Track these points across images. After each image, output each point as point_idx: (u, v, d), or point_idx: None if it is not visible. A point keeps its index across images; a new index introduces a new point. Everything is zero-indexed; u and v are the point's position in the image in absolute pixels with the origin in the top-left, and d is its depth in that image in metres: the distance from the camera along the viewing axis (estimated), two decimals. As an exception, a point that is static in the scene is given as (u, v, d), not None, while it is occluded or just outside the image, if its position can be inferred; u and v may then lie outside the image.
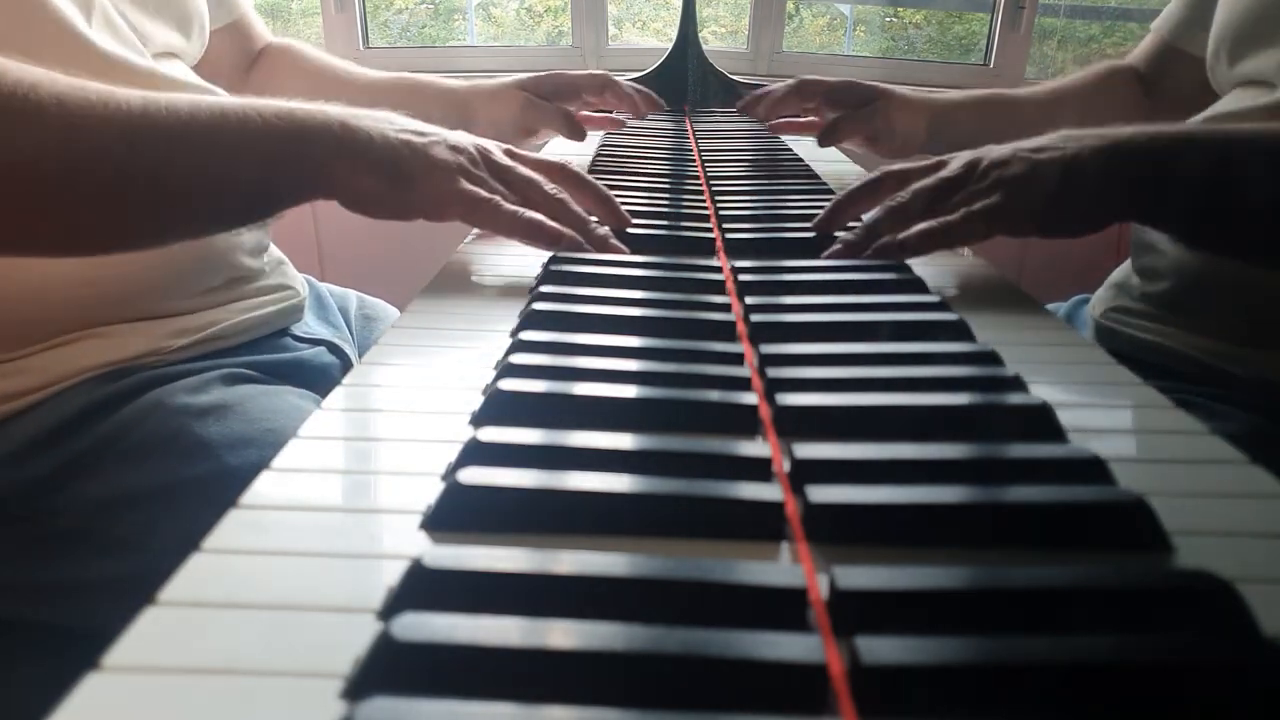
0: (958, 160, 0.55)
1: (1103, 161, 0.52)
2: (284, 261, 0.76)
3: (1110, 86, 0.88)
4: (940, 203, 0.54)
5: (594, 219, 0.58)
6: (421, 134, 0.54)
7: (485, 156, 0.56)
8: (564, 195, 0.57)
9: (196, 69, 0.77)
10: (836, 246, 0.55)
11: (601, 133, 1.02)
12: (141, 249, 0.52)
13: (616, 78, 0.92)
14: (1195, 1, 0.82)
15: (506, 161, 0.57)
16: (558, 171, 0.59)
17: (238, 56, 0.87)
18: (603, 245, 0.56)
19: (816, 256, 0.55)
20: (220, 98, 0.51)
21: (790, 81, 0.90)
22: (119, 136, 0.45)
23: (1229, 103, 0.69)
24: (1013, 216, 0.52)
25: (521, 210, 0.54)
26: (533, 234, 0.54)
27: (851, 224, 0.59)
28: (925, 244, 0.53)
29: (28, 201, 0.44)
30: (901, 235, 0.53)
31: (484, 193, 0.53)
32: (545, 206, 0.55)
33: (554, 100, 0.88)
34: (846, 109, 0.88)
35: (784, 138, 1.05)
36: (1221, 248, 0.57)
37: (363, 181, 0.51)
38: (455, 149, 0.54)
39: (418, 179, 0.52)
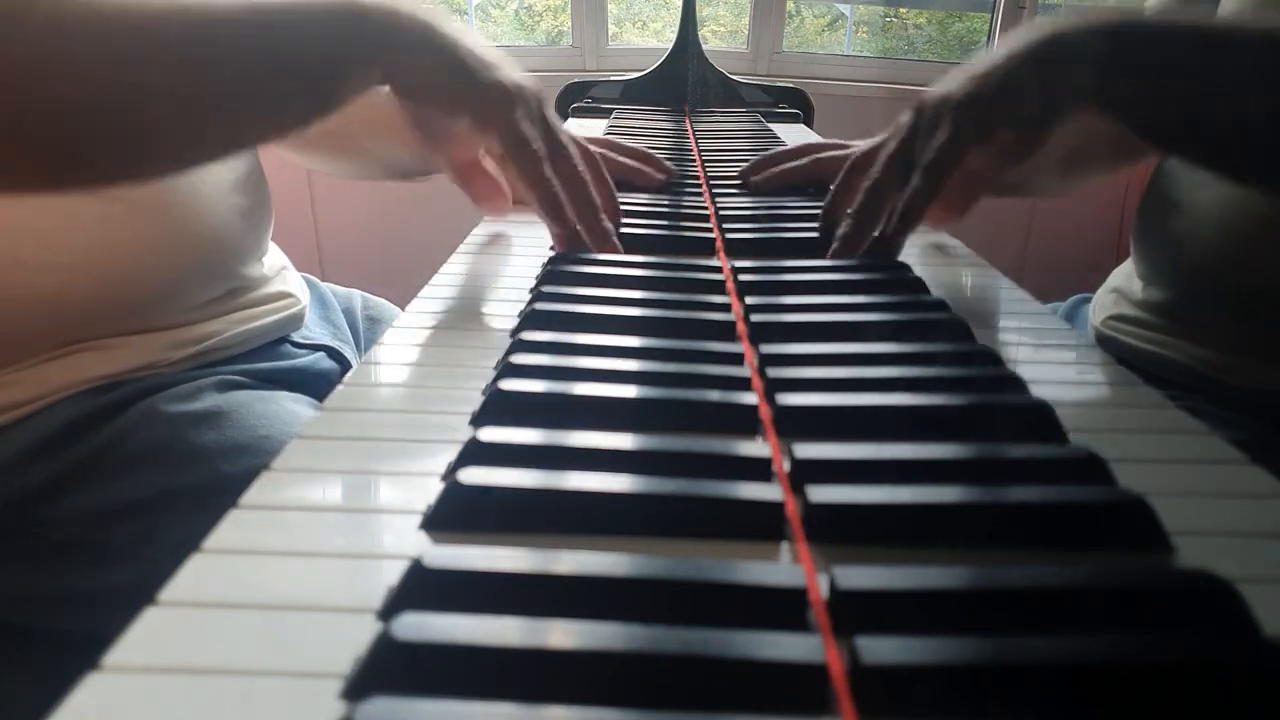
0: (903, 118, 0.54)
1: (1041, 54, 0.49)
2: (286, 267, 0.75)
3: None
4: (910, 158, 0.53)
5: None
6: (485, 52, 0.53)
7: (539, 104, 0.55)
8: (588, 176, 0.56)
9: None
10: (835, 245, 0.55)
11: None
12: (215, 158, 0.50)
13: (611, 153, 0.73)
14: None
15: (552, 118, 0.56)
16: (588, 154, 0.59)
17: None
18: (603, 242, 0.55)
19: (817, 256, 0.55)
20: None
21: (803, 161, 0.75)
22: (190, 34, 0.42)
23: None
24: (967, 139, 0.50)
25: (553, 180, 0.53)
26: (550, 209, 0.53)
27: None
28: (906, 221, 0.52)
29: (103, 119, 0.40)
30: (885, 228, 0.53)
31: (530, 137, 0.52)
32: (568, 178, 0.54)
33: None
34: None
35: (782, 134, 1.05)
36: (1205, 159, 0.53)
37: (424, 63, 0.50)
38: (517, 84, 0.53)
39: (479, 84, 0.51)
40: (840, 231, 0.55)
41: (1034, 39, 0.50)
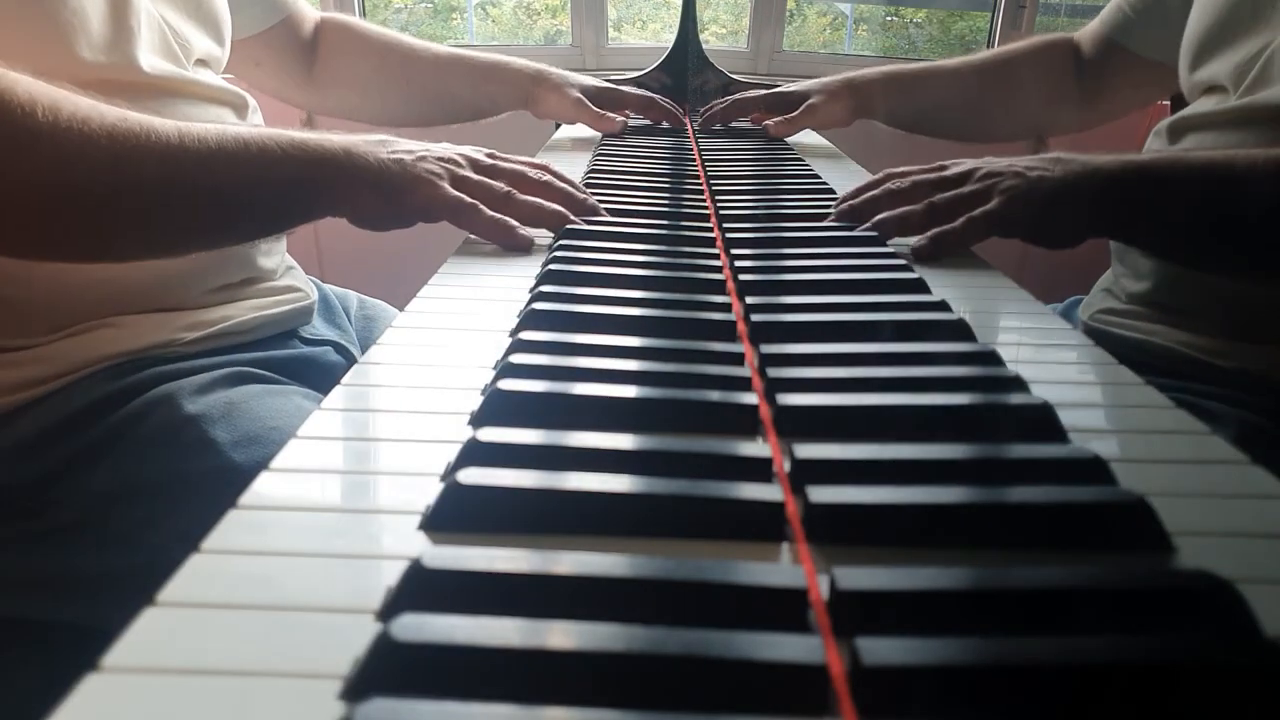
0: (958, 166, 0.62)
1: (1086, 185, 0.58)
2: (294, 266, 0.78)
3: (1042, 61, 0.92)
4: (936, 192, 0.61)
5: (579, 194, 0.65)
6: (410, 152, 0.60)
7: (472, 161, 0.63)
8: (548, 177, 0.64)
9: (258, 69, 0.86)
10: (842, 208, 0.64)
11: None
12: (167, 257, 0.59)
13: (657, 98, 1.10)
14: (1140, 6, 0.85)
15: (489, 162, 0.64)
16: (539, 168, 0.66)
17: (296, 50, 0.91)
18: (593, 210, 0.63)
19: (817, 255, 0.55)
20: (240, 128, 0.55)
21: (728, 101, 1.07)
22: (158, 165, 0.50)
23: (1193, 109, 0.71)
24: (1007, 223, 0.58)
25: (497, 215, 0.60)
26: (504, 236, 0.60)
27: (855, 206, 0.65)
28: (937, 249, 0.59)
29: (74, 220, 0.50)
30: (915, 242, 0.59)
31: (467, 199, 0.59)
32: (535, 188, 0.63)
33: (603, 107, 1.01)
34: (784, 111, 1.00)
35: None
36: (1190, 263, 0.64)
37: (364, 199, 0.58)
38: (440, 159, 0.61)
39: (407, 191, 0.58)
40: (851, 204, 0.64)
41: (1084, 170, 0.58)
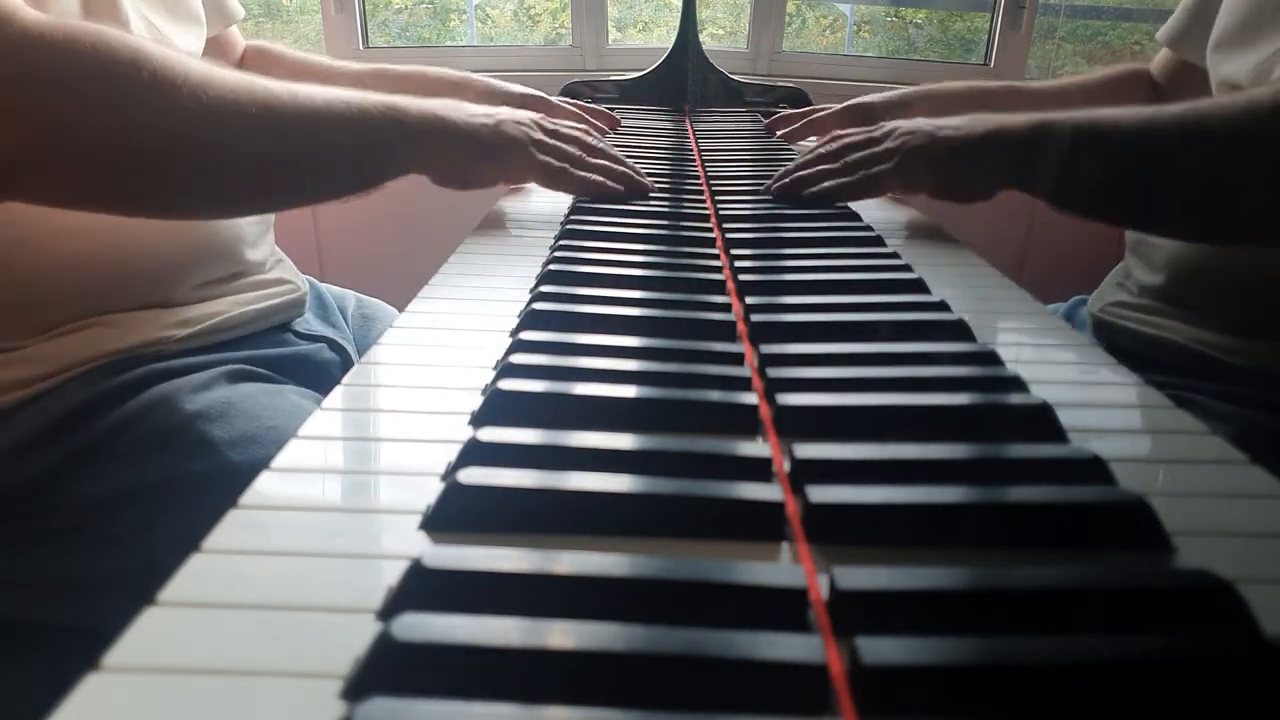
0: (885, 127, 0.66)
1: (992, 142, 0.60)
2: (283, 259, 0.77)
3: (1120, 89, 0.89)
4: (856, 152, 0.65)
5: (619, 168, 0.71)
6: (488, 114, 0.64)
7: (541, 126, 0.67)
8: (601, 144, 0.71)
9: None
10: (772, 184, 0.69)
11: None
12: (271, 211, 0.65)
13: (584, 108, 0.98)
14: (1194, 10, 0.82)
15: (552, 126, 0.68)
16: (580, 129, 0.72)
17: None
18: (638, 184, 0.69)
19: (817, 255, 0.56)
20: (335, 90, 0.58)
21: (806, 120, 0.98)
22: (275, 120, 0.53)
23: None
24: (905, 178, 0.63)
25: (586, 175, 0.66)
26: (600, 189, 0.66)
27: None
28: (829, 194, 0.66)
29: (207, 175, 0.52)
30: (814, 188, 0.65)
31: (555, 162, 0.65)
32: (597, 153, 0.69)
33: None
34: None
35: (781, 136, 1.06)
36: (1090, 214, 0.64)
37: (455, 159, 0.61)
38: (518, 123, 0.65)
39: (499, 153, 0.62)
40: (787, 172, 0.69)
41: (988, 125, 0.61)
